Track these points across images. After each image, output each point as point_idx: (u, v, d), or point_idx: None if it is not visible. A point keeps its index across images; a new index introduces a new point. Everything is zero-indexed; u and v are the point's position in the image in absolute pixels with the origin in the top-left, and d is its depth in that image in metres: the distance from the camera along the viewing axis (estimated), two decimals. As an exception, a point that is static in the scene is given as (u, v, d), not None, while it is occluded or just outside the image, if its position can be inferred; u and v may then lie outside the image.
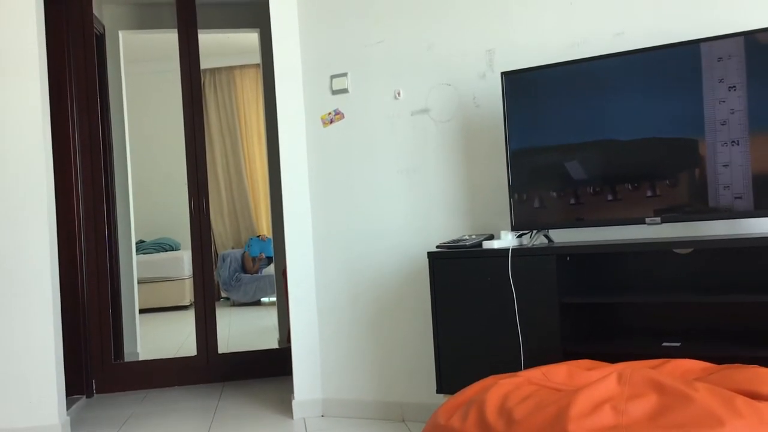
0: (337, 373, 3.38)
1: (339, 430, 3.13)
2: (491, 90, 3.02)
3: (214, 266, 5.83)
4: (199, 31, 4.25)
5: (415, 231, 3.19)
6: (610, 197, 2.58)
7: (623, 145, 2.55)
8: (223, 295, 7.58)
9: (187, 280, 7.23)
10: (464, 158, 3.09)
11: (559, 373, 2.14)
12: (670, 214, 2.48)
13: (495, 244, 2.71)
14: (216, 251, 7.94)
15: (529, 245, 2.71)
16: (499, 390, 1.99)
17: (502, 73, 2.77)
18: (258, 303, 7.52)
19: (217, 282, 7.45)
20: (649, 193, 2.51)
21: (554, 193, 2.68)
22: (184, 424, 3.34)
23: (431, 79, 3.16)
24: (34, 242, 3.19)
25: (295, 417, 3.36)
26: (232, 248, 8.09)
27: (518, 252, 2.59)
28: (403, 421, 3.20)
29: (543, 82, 2.69)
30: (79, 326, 3.95)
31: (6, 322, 3.17)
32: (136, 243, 5.40)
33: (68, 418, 3.29)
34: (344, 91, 3.35)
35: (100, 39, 4.46)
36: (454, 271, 2.71)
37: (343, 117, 3.36)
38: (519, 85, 2.74)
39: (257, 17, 4.81)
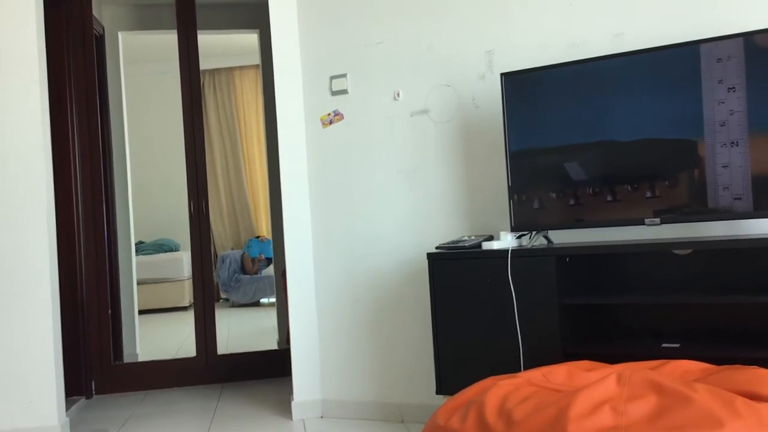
0: (336, 374, 3.38)
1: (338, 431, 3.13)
2: (491, 91, 3.02)
3: (213, 267, 5.84)
4: (198, 31, 4.25)
5: (415, 232, 3.19)
6: (609, 198, 2.58)
7: (623, 146, 2.56)
8: (223, 296, 7.57)
9: (186, 281, 7.23)
10: (464, 159, 3.09)
11: (558, 374, 2.14)
12: (669, 215, 2.48)
13: (494, 245, 2.71)
14: (215, 252, 7.94)
15: (529, 246, 2.71)
16: (498, 391, 2.00)
17: (502, 74, 2.78)
18: (257, 304, 7.52)
19: (217, 283, 7.44)
20: (648, 194, 2.51)
21: (554, 194, 2.68)
22: (183, 425, 3.34)
23: (431, 80, 3.16)
24: (33, 242, 3.19)
25: (294, 418, 3.36)
26: (232, 249, 8.09)
27: (518, 253, 2.59)
28: (403, 422, 3.20)
29: (542, 83, 2.70)
30: (78, 327, 3.94)
31: (6, 322, 3.17)
32: (136, 244, 5.39)
33: (67, 418, 3.29)
34: (344, 91, 3.35)
35: (100, 40, 4.46)
36: (454, 272, 2.71)
37: (343, 118, 3.36)
38: (518, 85, 2.74)
39: (257, 18, 4.81)
